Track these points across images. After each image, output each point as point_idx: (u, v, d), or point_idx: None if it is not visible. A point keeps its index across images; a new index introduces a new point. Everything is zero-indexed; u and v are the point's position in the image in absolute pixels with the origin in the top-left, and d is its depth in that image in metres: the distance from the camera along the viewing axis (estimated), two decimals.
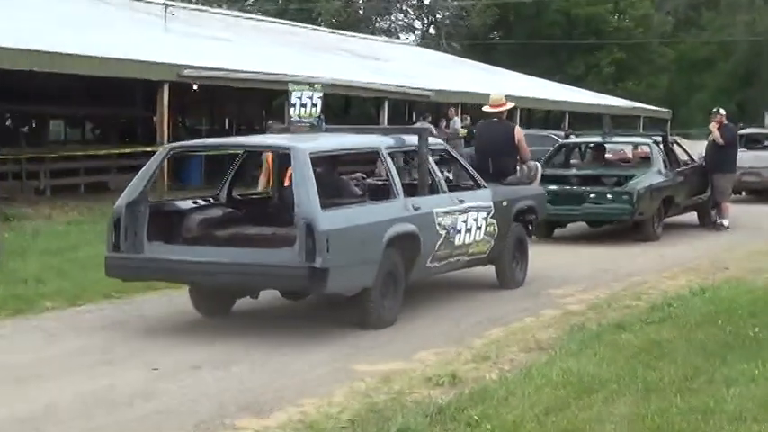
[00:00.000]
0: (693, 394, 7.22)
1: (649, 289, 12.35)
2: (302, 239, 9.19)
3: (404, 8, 69.63)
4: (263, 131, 23.27)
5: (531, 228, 13.09)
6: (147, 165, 10.40)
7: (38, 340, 9.60)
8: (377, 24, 67.96)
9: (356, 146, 11.64)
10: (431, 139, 11.53)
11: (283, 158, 11.04)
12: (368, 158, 18.37)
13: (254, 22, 40.08)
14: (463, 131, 30.80)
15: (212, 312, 10.61)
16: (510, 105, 14.87)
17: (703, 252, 15.86)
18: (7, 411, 7.24)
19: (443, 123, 31.52)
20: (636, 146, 21.28)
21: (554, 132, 28.59)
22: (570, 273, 13.61)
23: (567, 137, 20.66)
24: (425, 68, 39.16)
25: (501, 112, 14.52)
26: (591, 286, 12.64)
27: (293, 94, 11.53)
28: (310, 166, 9.55)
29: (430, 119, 31.36)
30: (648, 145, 18.86)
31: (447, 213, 11.05)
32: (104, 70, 21.33)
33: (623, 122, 44.99)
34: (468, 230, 11.44)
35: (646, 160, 18.83)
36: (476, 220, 11.59)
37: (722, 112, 19.90)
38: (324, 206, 9.39)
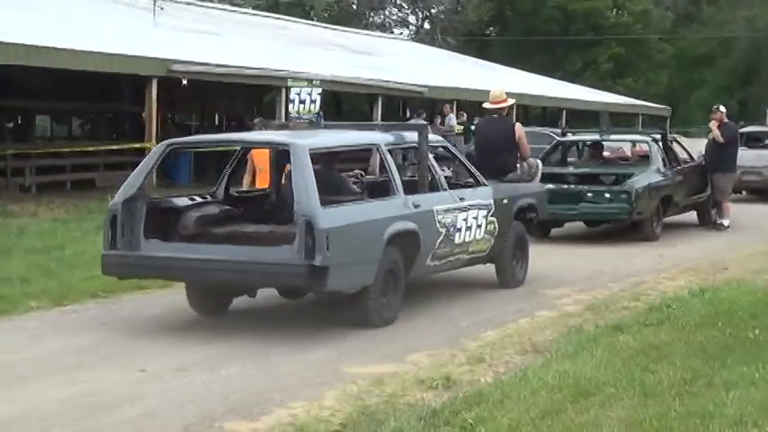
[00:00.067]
0: (692, 398, 7.22)
1: (648, 290, 12.35)
2: (302, 237, 9.22)
3: (398, 2, 69.59)
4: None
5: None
6: (143, 161, 10.44)
7: (22, 341, 9.56)
8: (370, 19, 67.94)
9: (356, 142, 11.67)
10: (431, 136, 11.55)
11: (282, 155, 11.03)
12: (362, 155, 18.39)
13: (245, 17, 40.07)
14: (459, 128, 30.82)
15: (209, 311, 10.63)
16: (511, 102, 14.89)
17: (703, 252, 15.86)
18: None
19: (438, 120, 31.53)
20: (634, 144, 21.29)
21: (551, 130, 28.59)
22: (567, 273, 13.61)
23: (564, 134, 20.64)
24: (420, 64, 39.18)
25: (501, 109, 14.52)
26: (588, 287, 12.64)
27: (292, 90, 11.54)
28: (310, 162, 9.57)
29: (424, 115, 31.38)
30: (647, 143, 18.84)
31: (447, 211, 11.08)
32: (92, 65, 21.30)
33: (622, 120, 45.04)
34: (469, 228, 11.47)
35: (644, 158, 18.82)
36: (476, 217, 11.62)
37: (722, 109, 19.89)
38: (323, 203, 9.41)
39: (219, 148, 19.12)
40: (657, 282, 13.03)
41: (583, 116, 45.33)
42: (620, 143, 22.42)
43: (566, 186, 17.27)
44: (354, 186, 11.53)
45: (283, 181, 11.43)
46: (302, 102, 11.51)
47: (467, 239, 11.47)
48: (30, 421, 7.11)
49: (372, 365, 8.61)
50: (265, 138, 11.50)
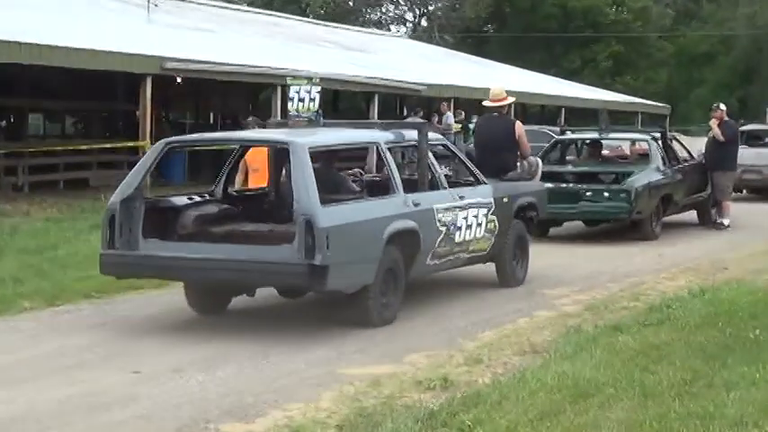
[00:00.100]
0: (692, 399, 7.22)
1: (647, 290, 12.35)
2: (301, 236, 9.24)
3: None
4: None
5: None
6: (142, 160, 10.49)
7: (15, 342, 9.56)
8: (367, 16, 67.98)
9: (355, 141, 11.74)
10: (430, 134, 11.58)
11: (281, 153, 11.05)
12: (359, 154, 18.40)
13: (240, 14, 40.09)
14: (457, 126, 30.83)
15: (208, 311, 10.66)
16: (511, 100, 14.90)
17: (703, 252, 15.86)
18: None
19: (435, 118, 31.55)
20: (634, 142, 21.28)
21: (549, 128, 28.60)
22: (566, 273, 13.61)
23: (562, 132, 20.65)
24: (417, 62, 39.19)
25: (502, 107, 14.53)
26: (587, 287, 12.64)
27: (291, 88, 11.56)
28: (309, 161, 9.58)
29: (421, 113, 31.41)
30: (647, 141, 18.86)
31: (447, 210, 11.11)
32: (85, 62, 21.28)
33: (621, 118, 45.06)
34: (469, 227, 11.50)
35: (644, 157, 18.83)
36: (476, 216, 11.65)
37: (723, 107, 19.90)
38: (323, 202, 9.44)
39: (217, 147, 19.13)
40: (657, 282, 13.03)
41: (581, 114, 45.35)
42: (619, 141, 22.41)
43: (564, 185, 17.27)
44: (354, 185, 11.55)
45: (282, 179, 11.45)
46: (301, 100, 11.53)
47: (467, 238, 11.49)
48: (26, 422, 7.11)
49: (369, 366, 8.62)
50: (264, 136, 11.52)
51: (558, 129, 24.07)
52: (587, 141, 19.76)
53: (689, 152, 20.17)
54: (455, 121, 31.57)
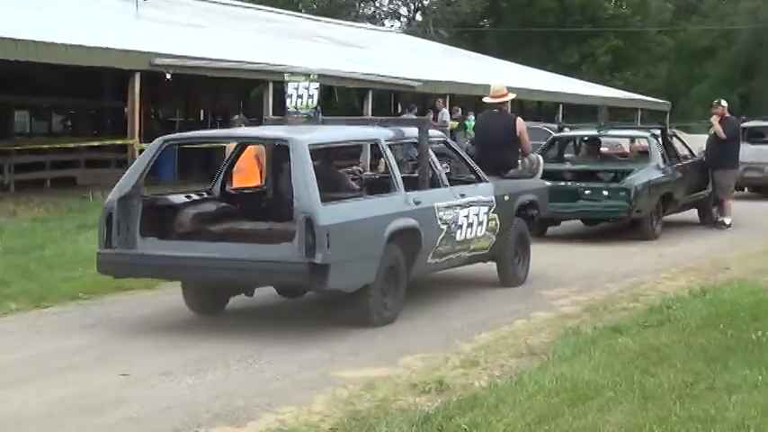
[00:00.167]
0: (693, 401, 7.23)
1: (647, 290, 12.36)
2: (302, 234, 9.28)
3: None
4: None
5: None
6: (139, 157, 10.55)
7: (2, 344, 9.54)
8: (360, 11, 67.97)
9: (355, 138, 11.84)
10: (431, 131, 11.61)
11: (279, 150, 11.06)
12: (353, 151, 18.42)
13: (231, 8, 40.03)
14: (453, 123, 30.84)
15: (206, 311, 10.69)
16: (511, 96, 14.92)
17: (704, 252, 15.88)
18: None
19: (431, 115, 31.54)
20: (633, 139, 21.29)
21: (547, 125, 28.64)
22: (564, 273, 13.62)
23: (560, 129, 20.69)
24: (412, 57, 39.19)
25: (502, 103, 14.55)
26: (586, 287, 12.65)
27: (290, 84, 11.60)
28: (310, 158, 9.60)
29: (416, 110, 31.39)
30: (646, 138, 18.87)
31: (448, 208, 11.16)
32: (72, 58, 21.24)
33: (620, 114, 45.16)
34: (470, 226, 11.55)
35: (643, 155, 18.84)
36: (477, 214, 11.69)
37: (724, 103, 19.90)
38: (323, 200, 9.48)
39: (207, 146, 19.13)
40: (657, 282, 13.04)
41: (580, 111, 45.43)
42: (618, 139, 22.42)
43: (563, 183, 17.27)
44: (353, 183, 11.58)
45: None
46: (300, 96, 11.59)
47: (468, 237, 11.54)
48: (17, 425, 7.12)
49: (364, 369, 8.62)
50: (264, 133, 11.56)
51: (555, 126, 24.10)
52: (586, 138, 19.75)
53: (689, 149, 20.19)
54: (452, 119, 31.56)
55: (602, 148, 19.77)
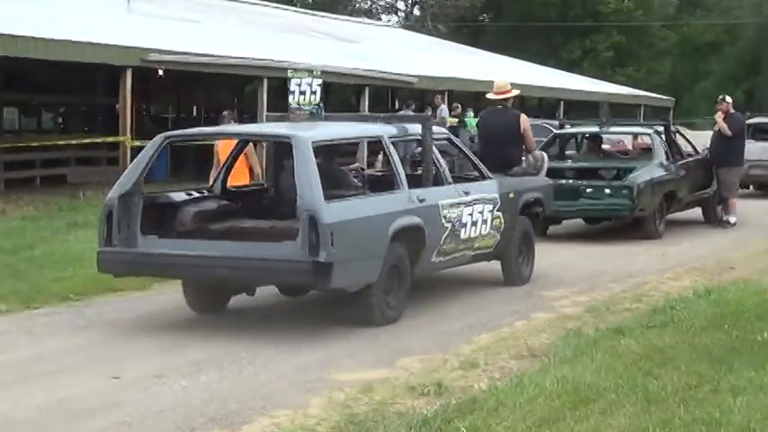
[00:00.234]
0: (698, 404, 7.23)
1: (650, 290, 12.37)
2: (305, 233, 9.31)
3: None
4: (242, 121, 23.28)
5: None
6: (140, 155, 10.56)
7: None
8: (356, 5, 67.94)
9: (358, 135, 11.91)
10: (434, 128, 11.64)
11: (282, 148, 11.07)
12: (350, 149, 18.41)
13: (224, 2, 40.00)
14: (452, 120, 30.81)
15: (206, 310, 10.72)
16: (515, 92, 14.95)
17: (708, 251, 15.89)
18: None
19: (429, 112, 31.53)
20: (636, 136, 21.32)
21: (548, 121, 28.63)
22: (565, 273, 13.63)
23: (561, 126, 20.67)
24: (409, 52, 39.17)
25: (506, 100, 14.56)
26: (588, 288, 12.65)
27: (292, 81, 11.65)
28: (313, 155, 9.62)
29: (414, 107, 31.37)
30: (649, 135, 18.88)
31: (452, 206, 11.19)
32: (62, 54, 21.24)
33: (623, 111, 45.11)
34: (474, 224, 11.58)
35: (646, 152, 18.86)
36: (482, 212, 11.72)
37: (728, 99, 19.90)
38: (326, 198, 9.50)
39: (199, 143, 19.13)
40: (661, 282, 13.05)
41: (581, 107, 45.43)
42: (620, 136, 22.43)
43: (564, 181, 17.26)
44: (355, 180, 11.60)
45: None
46: (302, 93, 11.61)
47: (472, 235, 11.58)
48: (7, 428, 7.12)
49: (361, 371, 8.62)
50: (266, 130, 11.57)
51: (556, 122, 24.09)
52: (587, 135, 19.75)
53: (693, 147, 20.19)
54: (451, 116, 31.56)
55: (604, 146, 19.78)
